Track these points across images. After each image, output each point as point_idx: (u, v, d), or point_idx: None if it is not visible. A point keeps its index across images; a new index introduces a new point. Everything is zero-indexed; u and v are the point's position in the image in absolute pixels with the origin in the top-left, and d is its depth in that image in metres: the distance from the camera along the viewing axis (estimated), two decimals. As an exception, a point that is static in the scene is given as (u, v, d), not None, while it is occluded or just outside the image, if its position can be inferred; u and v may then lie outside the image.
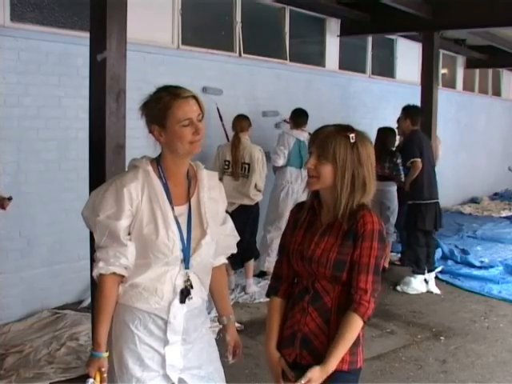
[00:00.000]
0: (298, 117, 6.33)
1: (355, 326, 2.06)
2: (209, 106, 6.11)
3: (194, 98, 2.14)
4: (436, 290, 6.16)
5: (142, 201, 2.11)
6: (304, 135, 6.19)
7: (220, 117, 6.21)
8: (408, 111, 6.39)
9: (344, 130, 2.10)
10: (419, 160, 6.12)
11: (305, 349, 2.14)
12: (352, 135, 2.08)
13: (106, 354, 2.11)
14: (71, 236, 5.07)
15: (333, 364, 2.06)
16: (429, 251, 6.31)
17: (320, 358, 2.09)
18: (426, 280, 6.21)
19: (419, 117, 6.39)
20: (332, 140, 2.07)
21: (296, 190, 6.25)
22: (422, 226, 6.17)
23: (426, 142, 6.36)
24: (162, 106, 2.10)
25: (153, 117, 2.13)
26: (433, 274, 6.30)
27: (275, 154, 6.23)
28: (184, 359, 2.19)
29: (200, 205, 2.21)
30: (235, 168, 5.66)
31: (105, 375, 2.10)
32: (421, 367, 4.30)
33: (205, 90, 6.27)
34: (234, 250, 2.47)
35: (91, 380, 2.08)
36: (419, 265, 6.20)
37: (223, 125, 6.18)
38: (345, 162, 2.06)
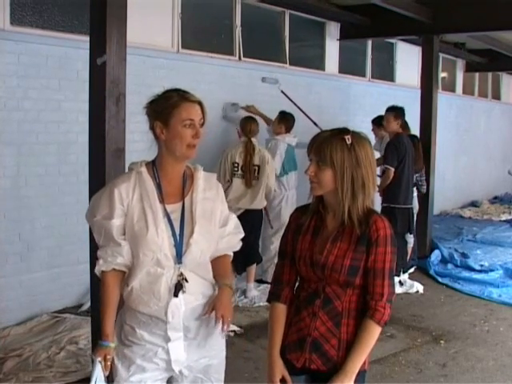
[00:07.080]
0: (288, 121, 6.27)
1: (372, 333, 2.12)
2: (209, 112, 6.12)
3: (200, 104, 2.24)
4: (419, 287, 6.22)
5: (133, 200, 2.19)
6: (294, 140, 6.18)
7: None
8: (397, 112, 6.28)
9: (339, 132, 2.10)
10: (392, 170, 6.08)
11: (315, 353, 2.14)
12: (347, 137, 2.08)
13: (112, 345, 2.19)
14: (71, 240, 5.07)
15: (351, 369, 2.08)
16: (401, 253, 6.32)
17: (330, 362, 2.12)
18: (400, 282, 6.25)
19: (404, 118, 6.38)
20: (328, 144, 2.07)
21: (291, 195, 6.24)
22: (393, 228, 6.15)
23: (409, 147, 6.27)
24: (169, 104, 2.19)
25: (158, 113, 2.20)
26: (406, 275, 6.43)
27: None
28: (187, 353, 2.23)
29: (192, 204, 2.24)
30: (248, 175, 5.59)
31: (109, 363, 2.16)
32: (421, 371, 4.29)
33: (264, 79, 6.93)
34: (238, 248, 2.44)
35: (99, 358, 2.14)
36: None
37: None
38: (342, 164, 2.06)
